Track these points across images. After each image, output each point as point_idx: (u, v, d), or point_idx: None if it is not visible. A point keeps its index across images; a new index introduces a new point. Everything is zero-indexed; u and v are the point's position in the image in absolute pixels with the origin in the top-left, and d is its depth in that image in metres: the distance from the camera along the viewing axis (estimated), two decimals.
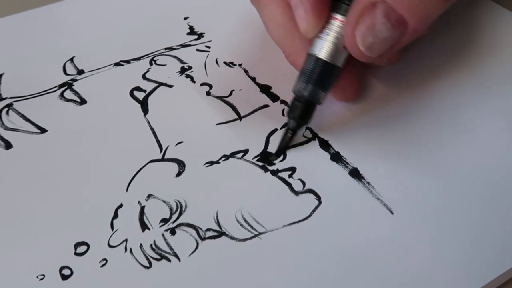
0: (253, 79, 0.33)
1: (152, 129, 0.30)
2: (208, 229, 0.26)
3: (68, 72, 0.34)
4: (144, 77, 0.33)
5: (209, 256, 0.25)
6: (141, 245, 0.25)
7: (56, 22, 0.37)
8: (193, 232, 0.26)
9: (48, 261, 0.24)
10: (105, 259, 0.25)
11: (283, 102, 0.32)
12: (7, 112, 0.31)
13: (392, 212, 0.26)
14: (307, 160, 0.29)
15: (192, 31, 0.37)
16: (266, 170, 0.28)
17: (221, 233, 0.26)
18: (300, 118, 0.29)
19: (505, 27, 0.36)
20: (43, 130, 0.30)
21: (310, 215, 0.26)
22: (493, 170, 0.28)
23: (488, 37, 0.36)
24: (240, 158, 0.29)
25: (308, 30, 0.28)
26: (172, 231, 0.26)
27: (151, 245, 0.25)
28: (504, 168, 0.28)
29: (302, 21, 0.28)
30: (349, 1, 0.27)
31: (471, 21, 0.37)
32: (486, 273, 0.24)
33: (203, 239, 0.25)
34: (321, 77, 0.28)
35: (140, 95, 0.32)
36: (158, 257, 0.25)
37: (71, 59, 0.34)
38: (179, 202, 0.27)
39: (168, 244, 0.25)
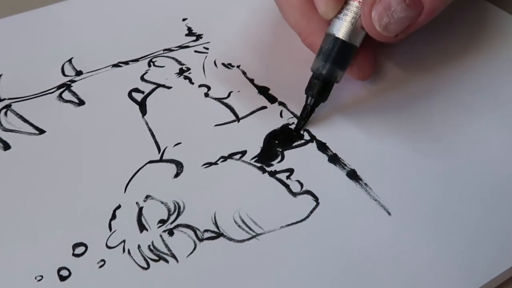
0: (251, 80, 0.33)
1: (150, 130, 0.30)
2: (206, 230, 0.26)
3: (66, 73, 0.34)
4: (142, 78, 0.33)
5: (207, 257, 0.25)
6: (139, 246, 0.25)
7: (54, 23, 0.37)
8: (191, 233, 0.26)
9: (46, 262, 0.25)
10: (103, 260, 0.25)
11: (281, 103, 0.32)
12: (6, 113, 0.31)
13: (389, 213, 0.26)
14: (305, 161, 0.29)
15: (190, 32, 0.37)
16: (264, 171, 0.28)
17: (219, 234, 0.26)
18: (318, 95, 0.30)
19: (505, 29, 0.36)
20: (41, 131, 0.30)
21: (307, 216, 0.26)
22: (492, 170, 0.28)
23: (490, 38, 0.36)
24: (238, 159, 0.29)
25: (327, 11, 0.29)
26: (170, 232, 0.26)
27: (149, 246, 0.25)
28: (503, 167, 0.28)
29: (321, 3, 0.29)
30: None
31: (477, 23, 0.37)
32: (484, 273, 0.24)
33: (201, 240, 0.25)
34: (339, 56, 0.29)
35: (138, 97, 0.32)
36: (156, 258, 0.25)
37: (70, 60, 0.34)
38: (177, 203, 0.27)
39: (166, 245, 0.25)
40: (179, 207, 0.27)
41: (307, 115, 0.30)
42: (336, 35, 0.29)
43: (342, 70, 0.30)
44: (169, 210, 0.26)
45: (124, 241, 0.25)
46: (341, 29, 0.29)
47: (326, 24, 0.30)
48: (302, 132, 0.30)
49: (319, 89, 0.30)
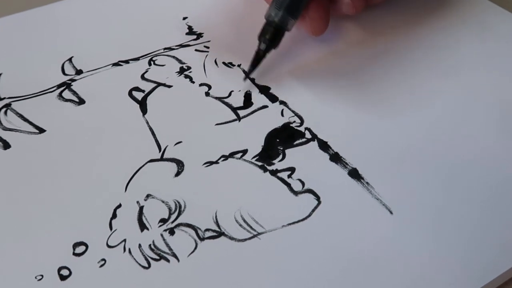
0: (252, 80, 0.33)
1: (151, 129, 0.30)
2: (207, 229, 0.26)
3: (66, 72, 0.34)
4: (143, 77, 0.33)
5: (208, 256, 0.25)
6: (139, 245, 0.25)
7: (54, 22, 0.37)
8: (192, 232, 0.25)
9: (47, 261, 0.24)
10: (103, 259, 0.24)
11: (282, 102, 0.32)
12: (6, 112, 0.31)
13: (391, 212, 0.26)
14: (306, 160, 0.29)
15: (191, 31, 0.37)
16: (265, 170, 0.28)
17: (220, 233, 0.25)
18: (270, 41, 0.32)
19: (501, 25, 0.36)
20: (41, 130, 0.30)
21: (309, 215, 0.26)
22: (493, 169, 0.28)
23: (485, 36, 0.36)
24: (239, 158, 0.29)
25: None
26: (171, 231, 0.25)
27: (149, 245, 0.25)
28: (504, 167, 0.28)
29: None
30: None
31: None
32: (485, 273, 0.24)
33: (202, 239, 0.25)
34: (291, 4, 0.31)
35: (139, 95, 0.32)
36: (157, 257, 0.25)
37: (70, 59, 0.34)
38: (178, 202, 0.27)
39: (167, 244, 0.25)
40: (180, 206, 0.26)
41: (258, 60, 0.32)
42: None
43: (293, 18, 0.32)
44: (170, 209, 0.26)
45: (124, 240, 0.25)
46: None
47: None
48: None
49: (271, 36, 0.32)
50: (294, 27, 0.33)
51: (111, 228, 0.26)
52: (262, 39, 0.32)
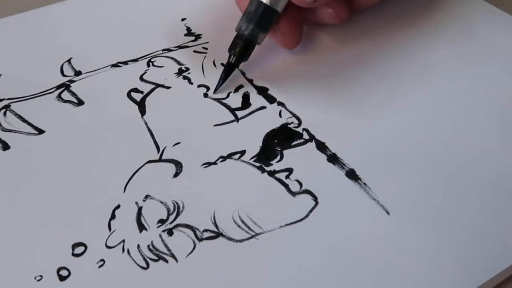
0: (250, 81, 0.33)
1: (149, 130, 0.30)
2: (205, 230, 0.26)
3: (65, 73, 0.34)
4: (141, 78, 0.33)
5: (206, 257, 0.25)
6: (138, 246, 0.25)
7: (53, 23, 0.37)
8: (190, 232, 0.26)
9: (46, 262, 0.25)
10: (102, 260, 0.25)
11: (280, 103, 0.32)
12: (5, 113, 0.31)
13: (388, 213, 0.26)
14: (304, 161, 0.29)
15: (189, 32, 0.37)
16: (263, 171, 0.28)
17: (218, 234, 0.26)
18: (240, 54, 0.32)
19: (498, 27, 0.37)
20: (40, 131, 0.30)
21: (307, 216, 0.26)
22: (491, 169, 0.28)
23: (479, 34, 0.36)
24: (237, 159, 0.29)
25: None
26: (170, 232, 0.26)
27: (148, 245, 0.25)
28: (503, 166, 0.28)
29: None
30: None
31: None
32: (483, 272, 0.24)
33: (200, 239, 0.25)
34: (261, 19, 0.32)
35: (137, 96, 0.32)
36: (156, 257, 0.25)
37: (69, 60, 0.34)
38: (177, 203, 0.27)
39: (166, 245, 0.25)
40: (179, 207, 0.27)
41: (228, 73, 0.32)
42: None
43: (263, 32, 0.32)
44: (168, 210, 0.26)
45: (123, 241, 0.25)
46: None
47: None
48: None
49: (241, 49, 0.32)
50: (266, 39, 0.33)
51: (110, 228, 0.26)
52: (232, 52, 0.32)
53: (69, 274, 0.24)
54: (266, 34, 0.33)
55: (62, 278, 0.24)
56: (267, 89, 0.33)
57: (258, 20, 0.32)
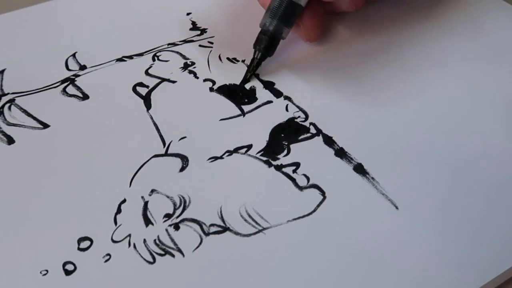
0: (257, 75, 0.33)
1: (155, 124, 0.30)
2: (212, 225, 0.25)
3: (70, 67, 0.33)
4: (147, 72, 0.33)
5: (213, 251, 0.25)
6: (144, 240, 0.25)
7: (58, 18, 0.37)
8: (197, 227, 0.25)
9: (52, 256, 0.24)
10: (108, 254, 0.24)
11: (286, 98, 0.32)
12: (10, 108, 0.31)
13: (397, 207, 0.26)
14: (311, 155, 0.29)
15: (194, 26, 0.37)
16: (270, 165, 0.28)
17: (225, 229, 0.25)
18: (265, 50, 0.32)
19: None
20: (45, 125, 0.30)
21: (314, 210, 0.26)
22: (498, 165, 0.28)
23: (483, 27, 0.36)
24: (244, 154, 0.29)
25: None
26: (176, 226, 0.25)
27: (154, 240, 0.25)
28: (510, 163, 0.28)
29: None
30: None
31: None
32: (492, 268, 0.24)
33: (207, 234, 0.25)
34: (285, 13, 0.32)
35: (143, 91, 0.32)
36: (162, 252, 0.25)
37: (74, 55, 0.34)
38: (183, 197, 0.27)
39: (172, 240, 0.25)
40: (185, 201, 0.26)
41: (254, 68, 0.32)
42: None
43: (287, 27, 0.32)
44: (174, 204, 0.26)
45: (129, 235, 0.25)
46: None
47: None
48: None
49: (266, 44, 0.32)
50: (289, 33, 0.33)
51: (116, 223, 0.26)
52: (257, 48, 0.32)
53: (75, 268, 0.24)
54: (290, 29, 0.33)
55: (67, 273, 0.24)
56: (273, 83, 0.33)
57: (282, 15, 0.32)
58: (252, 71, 0.33)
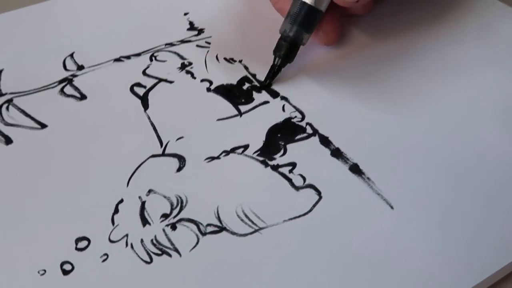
0: (254, 75, 0.33)
1: (152, 124, 0.30)
2: (209, 224, 0.26)
3: (68, 67, 0.34)
4: (144, 73, 0.33)
5: (209, 251, 0.25)
6: (142, 240, 0.25)
7: (56, 18, 0.37)
8: (194, 227, 0.26)
9: (49, 256, 0.24)
10: (106, 254, 0.25)
11: (283, 98, 0.32)
12: (7, 108, 0.31)
13: (392, 207, 0.26)
14: (307, 155, 0.29)
15: (192, 27, 0.37)
16: (266, 165, 0.28)
17: (221, 228, 0.26)
18: (285, 56, 0.32)
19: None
20: (43, 126, 0.30)
21: (310, 210, 0.26)
22: (495, 165, 0.28)
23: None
24: (241, 154, 0.29)
25: None
26: (173, 226, 0.26)
27: (151, 240, 0.25)
28: (507, 162, 0.28)
29: None
30: None
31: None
32: (486, 267, 0.24)
33: (203, 234, 0.25)
34: (306, 19, 0.32)
35: (140, 91, 0.32)
36: (159, 252, 0.25)
37: (71, 55, 0.34)
38: (180, 197, 0.27)
39: (169, 239, 0.25)
40: (182, 201, 0.27)
41: (274, 75, 0.32)
42: (303, 0, 0.31)
43: (308, 33, 0.32)
44: (171, 204, 0.26)
45: (127, 235, 0.25)
46: None
47: None
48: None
49: (286, 50, 0.32)
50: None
51: (113, 223, 0.26)
52: (277, 54, 0.32)
53: (73, 268, 0.24)
54: (310, 35, 0.32)
55: (65, 272, 0.24)
56: (270, 84, 0.33)
57: (302, 21, 0.31)
58: (272, 78, 0.32)
